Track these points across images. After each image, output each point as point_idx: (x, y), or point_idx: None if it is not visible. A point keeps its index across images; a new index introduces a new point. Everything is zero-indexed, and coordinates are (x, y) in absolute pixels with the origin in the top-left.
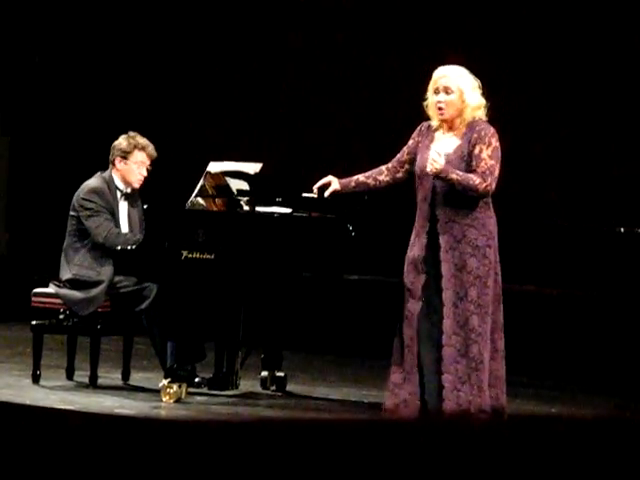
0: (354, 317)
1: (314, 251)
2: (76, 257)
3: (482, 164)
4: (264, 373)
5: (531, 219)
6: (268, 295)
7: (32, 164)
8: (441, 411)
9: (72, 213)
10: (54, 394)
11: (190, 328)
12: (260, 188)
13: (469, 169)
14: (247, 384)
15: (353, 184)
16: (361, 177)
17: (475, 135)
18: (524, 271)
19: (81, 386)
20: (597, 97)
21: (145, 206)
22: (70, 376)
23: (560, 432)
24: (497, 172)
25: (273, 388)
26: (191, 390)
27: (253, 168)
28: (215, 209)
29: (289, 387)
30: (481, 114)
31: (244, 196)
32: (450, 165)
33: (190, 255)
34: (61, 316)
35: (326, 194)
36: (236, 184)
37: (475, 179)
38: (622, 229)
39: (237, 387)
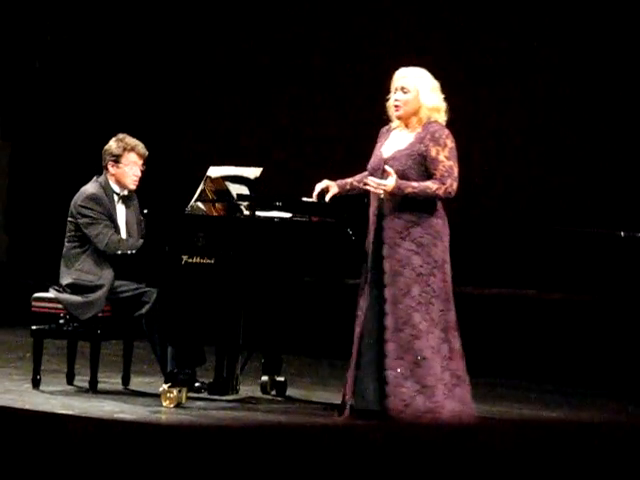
0: (354, 322)
1: (314, 256)
2: (76, 262)
3: (440, 167)
4: (264, 378)
5: (533, 224)
6: (268, 300)
7: (32, 169)
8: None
9: (70, 219)
10: (54, 399)
11: (190, 333)
12: (260, 192)
13: (418, 167)
14: (247, 389)
15: (348, 187)
16: (354, 180)
17: (429, 136)
18: (527, 276)
19: (81, 391)
20: (600, 102)
21: (145, 211)
22: (70, 381)
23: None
24: (456, 172)
25: (273, 393)
26: (191, 395)
27: (253, 173)
28: (215, 214)
29: (289, 392)
30: (439, 117)
31: (244, 201)
32: (396, 161)
33: (190, 260)
34: (61, 321)
35: (327, 198)
36: (236, 188)
37: (432, 186)
38: (622, 233)
39: (237, 392)
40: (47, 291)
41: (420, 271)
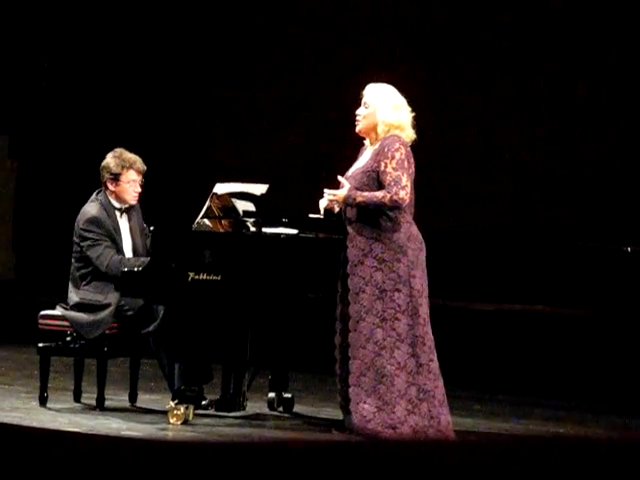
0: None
1: (321, 272)
2: (82, 282)
3: (387, 177)
4: (271, 394)
5: (539, 239)
6: (275, 316)
7: (39, 187)
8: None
9: (75, 239)
10: (61, 416)
11: (197, 350)
12: (266, 209)
13: (372, 184)
14: (254, 405)
15: None
16: None
17: (380, 151)
18: (535, 291)
19: (88, 408)
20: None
21: (152, 228)
22: (77, 398)
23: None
24: (405, 180)
25: (280, 409)
26: (198, 412)
27: (259, 189)
28: (222, 230)
29: (296, 408)
30: (401, 133)
31: (250, 217)
32: (353, 179)
33: (197, 276)
34: (68, 338)
35: (336, 209)
36: (242, 205)
37: (379, 194)
38: (629, 249)
39: (244, 408)
40: (54, 308)
41: (383, 287)
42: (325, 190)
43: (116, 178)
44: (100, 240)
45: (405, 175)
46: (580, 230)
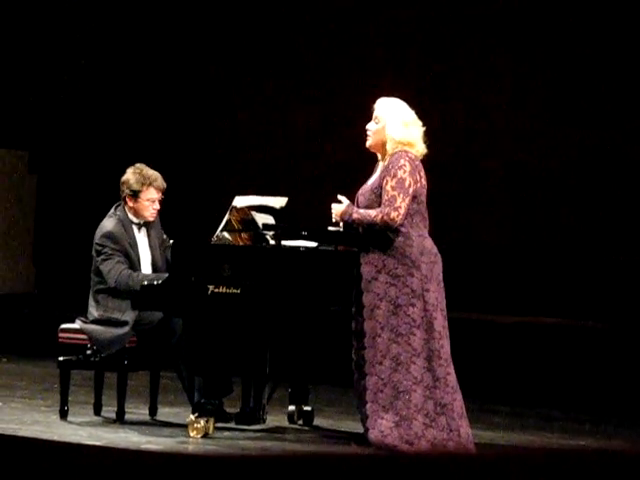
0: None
1: (340, 285)
2: (100, 297)
3: (385, 196)
4: (291, 407)
5: (555, 252)
6: (295, 329)
7: (59, 201)
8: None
9: (93, 254)
10: (82, 430)
11: (217, 363)
12: (286, 222)
13: (380, 200)
14: (274, 419)
15: None
16: None
17: (385, 167)
18: (555, 304)
19: (108, 422)
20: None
21: (171, 241)
22: (98, 412)
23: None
24: (400, 201)
25: (300, 422)
26: (218, 425)
27: (279, 202)
28: (241, 243)
29: (316, 421)
30: (411, 149)
31: (270, 230)
32: (362, 196)
33: (216, 290)
34: (88, 352)
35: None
36: (262, 218)
37: (372, 213)
38: None
39: (264, 422)
40: (74, 322)
41: (398, 302)
42: (332, 205)
43: (135, 195)
44: (113, 255)
45: (402, 195)
46: (600, 242)
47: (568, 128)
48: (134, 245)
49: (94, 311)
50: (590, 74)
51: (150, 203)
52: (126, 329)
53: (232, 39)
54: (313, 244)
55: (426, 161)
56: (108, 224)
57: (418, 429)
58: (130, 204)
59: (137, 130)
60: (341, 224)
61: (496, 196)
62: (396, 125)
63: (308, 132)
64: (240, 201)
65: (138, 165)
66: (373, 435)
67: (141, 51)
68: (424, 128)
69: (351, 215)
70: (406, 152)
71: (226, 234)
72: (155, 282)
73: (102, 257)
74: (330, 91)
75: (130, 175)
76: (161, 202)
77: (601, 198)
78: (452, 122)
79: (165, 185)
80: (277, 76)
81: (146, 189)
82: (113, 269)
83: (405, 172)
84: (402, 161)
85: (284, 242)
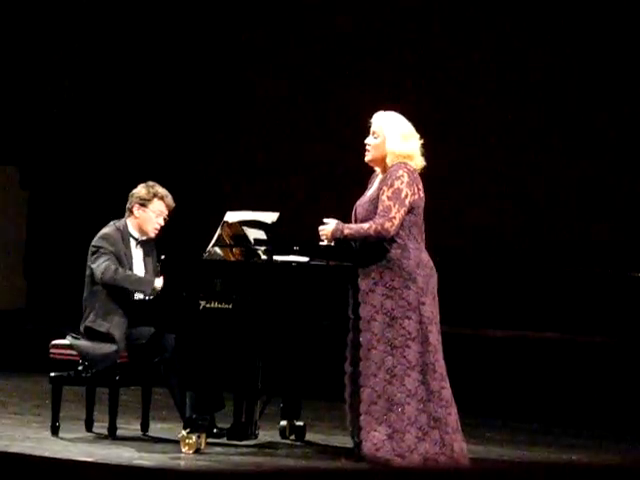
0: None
1: (332, 299)
2: (91, 308)
3: (380, 206)
4: (283, 422)
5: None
6: (286, 344)
7: (50, 217)
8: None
9: (88, 263)
10: (73, 446)
11: (208, 378)
12: (277, 237)
13: (376, 211)
14: (266, 434)
15: None
16: None
17: (384, 178)
18: (547, 318)
19: (100, 437)
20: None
21: (162, 257)
22: (89, 427)
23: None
24: (394, 212)
25: (292, 437)
26: (210, 440)
27: (270, 217)
28: (232, 259)
29: (308, 436)
30: (410, 162)
31: (261, 245)
32: (361, 207)
33: (208, 305)
34: (80, 367)
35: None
36: (253, 233)
37: (365, 226)
38: None
39: (256, 437)
40: (65, 337)
41: (393, 315)
42: (320, 227)
43: (144, 204)
44: (106, 254)
45: (397, 206)
46: (598, 255)
47: (568, 136)
48: (128, 256)
49: (84, 321)
50: (585, 74)
51: (156, 215)
52: (115, 347)
53: (219, 48)
54: (305, 259)
55: (423, 174)
56: (106, 229)
57: (411, 442)
58: (136, 214)
59: (129, 146)
60: (332, 242)
61: (489, 208)
62: (395, 139)
63: (301, 145)
64: (231, 216)
65: (150, 182)
66: (366, 448)
67: (131, 67)
68: (422, 141)
69: (342, 231)
70: (405, 164)
71: (217, 249)
72: (147, 297)
73: (94, 256)
74: (326, 102)
75: (141, 187)
76: (165, 222)
77: (598, 210)
78: (448, 133)
79: (174, 205)
80: (271, 93)
81: (157, 201)
82: (102, 264)
83: (402, 183)
84: (400, 172)
85: (276, 257)
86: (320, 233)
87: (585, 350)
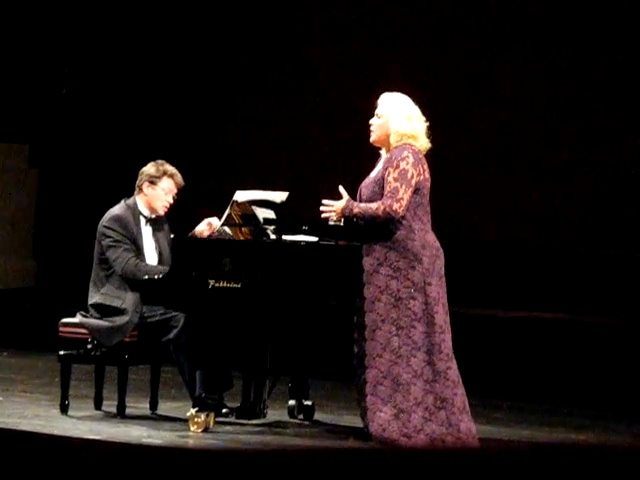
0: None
1: (341, 279)
2: (101, 285)
3: (387, 187)
4: (291, 402)
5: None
6: (295, 324)
7: (60, 195)
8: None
9: (98, 238)
10: (82, 424)
11: (217, 357)
12: (287, 216)
13: (383, 192)
14: (275, 413)
15: None
16: None
17: (388, 159)
18: (556, 299)
19: (109, 416)
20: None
21: (172, 236)
22: (98, 406)
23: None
24: (402, 193)
25: (301, 417)
26: (219, 419)
27: (280, 197)
28: (242, 238)
29: (317, 416)
30: (414, 142)
31: (270, 225)
32: (366, 188)
33: (217, 284)
34: (89, 346)
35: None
36: (262, 213)
37: (373, 206)
38: None
39: (265, 416)
40: (74, 316)
41: (399, 295)
42: (323, 201)
43: (154, 182)
44: (121, 241)
45: (404, 187)
46: (602, 237)
47: (571, 122)
48: (139, 235)
49: (93, 298)
50: (581, 76)
51: (166, 193)
52: (126, 318)
53: (232, 40)
54: (314, 238)
55: (429, 155)
56: (117, 209)
57: (417, 422)
58: (146, 191)
59: (139, 124)
60: (341, 220)
61: (498, 190)
62: (399, 118)
63: (309, 126)
64: (241, 195)
65: (159, 160)
66: (372, 428)
67: (143, 46)
68: (427, 123)
69: (352, 210)
70: (410, 145)
71: (227, 228)
72: (156, 276)
73: (109, 242)
74: (332, 84)
75: (151, 165)
76: (174, 201)
77: (604, 192)
78: (455, 115)
79: (183, 183)
80: (278, 73)
81: (167, 178)
82: (120, 256)
83: (408, 164)
84: (405, 153)
85: (285, 236)
86: (330, 209)
87: (594, 331)
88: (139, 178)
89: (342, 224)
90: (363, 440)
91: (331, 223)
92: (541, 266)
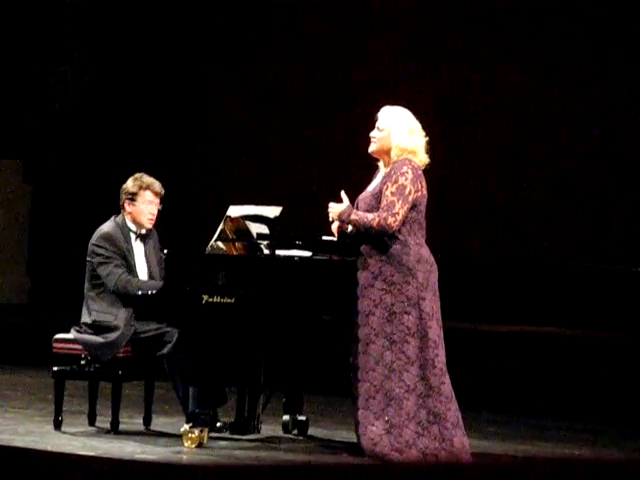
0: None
1: (334, 294)
2: (93, 302)
3: (384, 201)
4: (285, 417)
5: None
6: (289, 339)
7: (53, 212)
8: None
9: (88, 259)
10: (76, 440)
11: (211, 372)
12: (280, 231)
13: (378, 206)
14: (269, 428)
15: None
16: None
17: (388, 173)
18: (551, 313)
19: (103, 432)
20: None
21: (165, 251)
22: (92, 422)
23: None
24: (398, 207)
25: (295, 432)
26: (213, 435)
27: (273, 212)
28: (235, 253)
29: (311, 431)
30: (414, 158)
31: (264, 240)
32: (363, 202)
33: (211, 299)
34: (82, 362)
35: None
36: (256, 228)
37: (369, 217)
38: None
39: (259, 431)
40: (68, 332)
41: (393, 310)
42: (330, 204)
43: (133, 199)
44: (111, 258)
45: (400, 202)
46: (595, 251)
47: (566, 133)
48: (130, 251)
49: (87, 317)
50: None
51: (147, 206)
52: (119, 333)
53: (225, 44)
54: (307, 253)
55: (426, 170)
56: (106, 227)
57: (409, 437)
58: (128, 209)
59: (132, 140)
60: (335, 233)
61: (493, 206)
62: (401, 132)
63: (306, 140)
64: (234, 210)
65: (137, 174)
66: (364, 442)
67: (134, 61)
68: (427, 138)
69: (349, 215)
70: (410, 160)
71: (220, 244)
72: (149, 292)
73: (99, 260)
74: (329, 97)
75: (129, 181)
76: (160, 211)
77: (596, 206)
78: (443, 132)
79: (162, 191)
80: (274, 80)
81: (143, 192)
82: (112, 273)
83: (407, 179)
84: (405, 168)
85: (278, 251)
86: (329, 210)
87: (590, 345)
88: (120, 197)
89: (335, 239)
90: (356, 455)
91: (325, 238)
92: (538, 280)
